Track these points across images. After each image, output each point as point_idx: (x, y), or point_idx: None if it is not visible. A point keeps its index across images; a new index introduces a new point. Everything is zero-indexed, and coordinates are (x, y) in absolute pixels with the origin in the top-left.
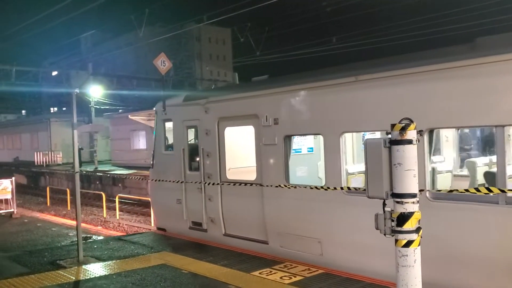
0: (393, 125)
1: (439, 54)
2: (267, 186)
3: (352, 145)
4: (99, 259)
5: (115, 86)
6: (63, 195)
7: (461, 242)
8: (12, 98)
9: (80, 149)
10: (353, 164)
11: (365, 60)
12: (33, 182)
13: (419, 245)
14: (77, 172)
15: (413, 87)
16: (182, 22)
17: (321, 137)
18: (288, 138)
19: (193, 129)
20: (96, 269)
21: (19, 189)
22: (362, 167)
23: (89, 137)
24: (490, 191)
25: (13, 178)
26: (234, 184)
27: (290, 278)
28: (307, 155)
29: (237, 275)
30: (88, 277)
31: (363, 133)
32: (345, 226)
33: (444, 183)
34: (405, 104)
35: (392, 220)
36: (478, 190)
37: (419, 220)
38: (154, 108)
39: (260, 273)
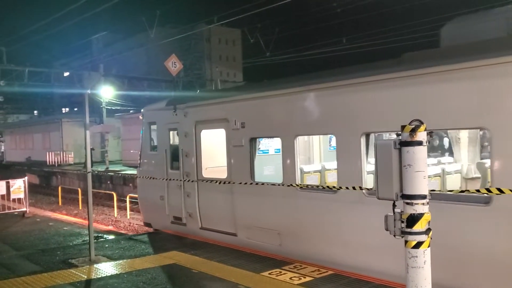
0: (403, 127)
1: (370, 68)
2: (235, 183)
3: (319, 147)
4: (110, 258)
5: (126, 87)
6: (75, 195)
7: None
8: (24, 99)
9: (91, 149)
10: (312, 164)
11: (316, 72)
12: (45, 182)
13: (429, 246)
14: (89, 172)
15: (350, 96)
16: (192, 24)
17: (279, 139)
18: (253, 140)
19: (174, 132)
20: (107, 268)
21: (31, 189)
22: (330, 165)
23: (101, 137)
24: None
25: (26, 177)
26: (208, 182)
27: (300, 279)
28: (274, 155)
29: (247, 275)
30: (100, 276)
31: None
32: (299, 219)
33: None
34: (345, 111)
35: (402, 221)
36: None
37: (429, 221)
38: (141, 110)
39: (270, 274)
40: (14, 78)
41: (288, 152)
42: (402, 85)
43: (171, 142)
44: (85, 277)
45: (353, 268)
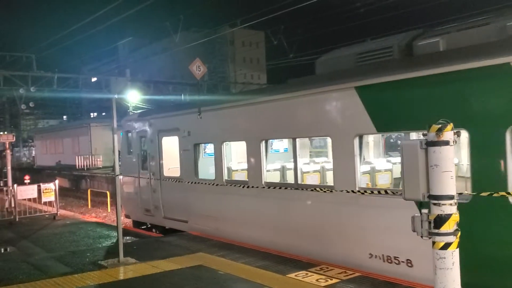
0: (429, 127)
1: (267, 91)
2: (184, 180)
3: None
4: (138, 259)
5: (152, 91)
6: (104, 198)
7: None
8: (54, 104)
9: (119, 153)
10: (237, 163)
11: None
12: (75, 185)
13: (457, 247)
14: (117, 175)
15: (251, 113)
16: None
17: (212, 145)
18: (197, 145)
19: (144, 139)
20: (135, 270)
21: (62, 192)
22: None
23: None
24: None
25: (56, 181)
26: (167, 180)
27: (326, 280)
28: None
29: (273, 277)
30: (128, 277)
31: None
32: (227, 207)
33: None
34: (250, 124)
35: (429, 222)
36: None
37: (457, 222)
38: (122, 120)
39: (296, 276)
40: (43, 84)
41: (218, 154)
42: (279, 105)
43: (142, 147)
44: (114, 278)
45: (264, 243)
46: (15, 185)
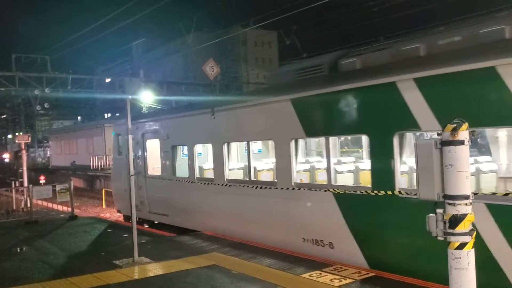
0: (444, 126)
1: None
2: (165, 179)
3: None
4: (152, 259)
5: (165, 92)
6: None
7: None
8: (68, 105)
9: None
10: (207, 162)
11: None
12: (89, 185)
13: (472, 247)
14: (132, 175)
15: (212, 120)
16: (228, 28)
17: (186, 147)
18: (175, 147)
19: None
20: (150, 269)
21: (76, 192)
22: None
23: None
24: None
25: (71, 181)
26: (151, 178)
27: (340, 280)
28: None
29: (287, 277)
30: (143, 277)
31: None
32: (199, 201)
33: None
34: (215, 129)
35: (444, 222)
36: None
37: (472, 222)
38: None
39: (310, 276)
40: (58, 85)
41: (191, 155)
42: (236, 113)
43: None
44: (129, 278)
45: (226, 231)
46: (31, 186)
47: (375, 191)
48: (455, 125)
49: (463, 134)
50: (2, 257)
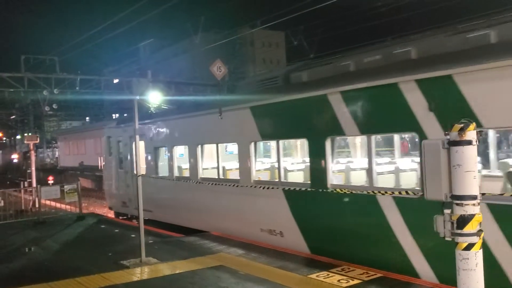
0: (452, 126)
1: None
2: (149, 177)
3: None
4: (160, 259)
5: (173, 92)
6: None
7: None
8: (77, 106)
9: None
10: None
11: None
12: (97, 186)
13: (480, 248)
14: (139, 175)
15: (201, 122)
16: (236, 28)
17: (166, 148)
18: (157, 149)
19: (120, 143)
20: (157, 269)
21: (84, 193)
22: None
23: None
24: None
25: (79, 182)
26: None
27: (348, 281)
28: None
29: (294, 278)
30: (150, 277)
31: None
32: (177, 197)
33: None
34: (206, 130)
35: (452, 223)
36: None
37: (480, 222)
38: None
39: (317, 276)
40: (66, 86)
41: (170, 156)
42: (207, 118)
43: (119, 150)
44: (136, 278)
45: (199, 224)
46: (39, 186)
47: (313, 188)
48: (462, 125)
49: (471, 134)
50: (10, 257)
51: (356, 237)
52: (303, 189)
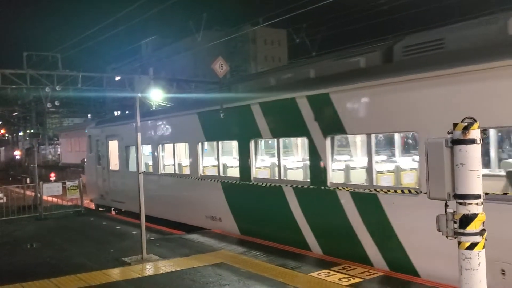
0: (455, 125)
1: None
2: (120, 171)
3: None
4: (161, 256)
5: (174, 90)
6: None
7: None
8: (78, 103)
9: None
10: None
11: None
12: None
13: (483, 247)
14: (140, 173)
15: (169, 123)
16: (238, 26)
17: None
18: (128, 147)
19: (98, 141)
20: (158, 266)
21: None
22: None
23: None
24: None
25: (81, 178)
26: (112, 171)
27: (349, 280)
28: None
29: (296, 276)
30: (151, 274)
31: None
32: (151, 190)
33: None
34: (167, 131)
35: (455, 222)
36: None
37: (484, 222)
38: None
39: (318, 274)
40: (69, 83)
41: (142, 154)
42: (173, 120)
43: (97, 148)
44: (137, 275)
45: (163, 214)
46: (41, 182)
47: (241, 181)
48: (466, 124)
49: (475, 132)
50: (12, 253)
51: (269, 220)
52: (235, 182)
